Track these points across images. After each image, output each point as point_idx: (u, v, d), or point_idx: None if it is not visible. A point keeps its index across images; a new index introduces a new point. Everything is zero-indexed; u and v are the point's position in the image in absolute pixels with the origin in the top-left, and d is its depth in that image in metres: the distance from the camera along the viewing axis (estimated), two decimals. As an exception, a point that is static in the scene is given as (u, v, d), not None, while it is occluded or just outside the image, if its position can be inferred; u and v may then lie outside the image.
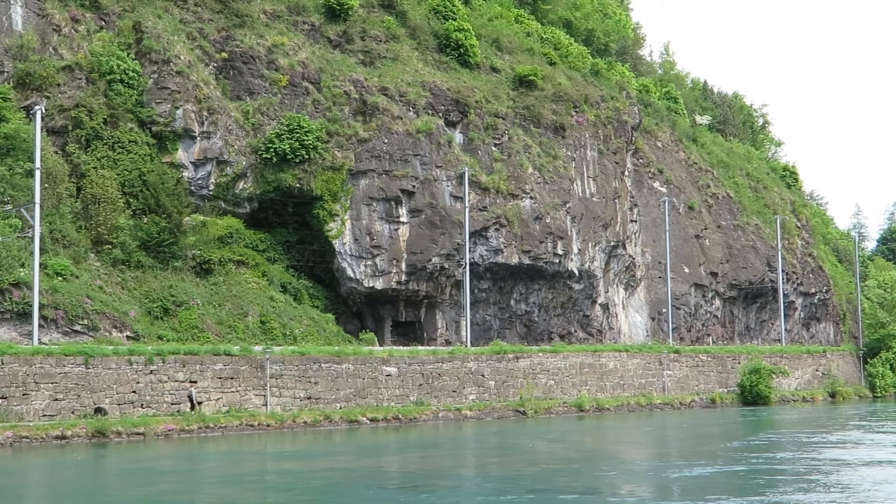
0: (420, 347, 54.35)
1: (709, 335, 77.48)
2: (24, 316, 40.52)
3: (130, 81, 52.23)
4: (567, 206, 64.35)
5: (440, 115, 61.00)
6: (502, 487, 23.88)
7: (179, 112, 52.67)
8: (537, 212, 62.14)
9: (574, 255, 64.07)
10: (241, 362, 43.52)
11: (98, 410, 38.55)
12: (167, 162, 52.41)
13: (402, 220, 57.14)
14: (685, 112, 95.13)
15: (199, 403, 41.66)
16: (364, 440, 39.62)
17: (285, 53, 58.08)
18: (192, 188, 53.59)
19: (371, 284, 56.48)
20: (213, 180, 54.16)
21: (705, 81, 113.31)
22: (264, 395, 43.88)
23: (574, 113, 68.23)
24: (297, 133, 55.12)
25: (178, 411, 40.84)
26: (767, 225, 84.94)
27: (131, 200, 49.80)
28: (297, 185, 55.55)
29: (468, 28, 67.62)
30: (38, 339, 39.63)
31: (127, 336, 43.37)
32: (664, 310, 72.41)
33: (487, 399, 53.20)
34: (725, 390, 68.33)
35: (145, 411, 40.01)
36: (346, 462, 31.10)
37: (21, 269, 41.27)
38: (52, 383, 37.85)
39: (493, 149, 62.43)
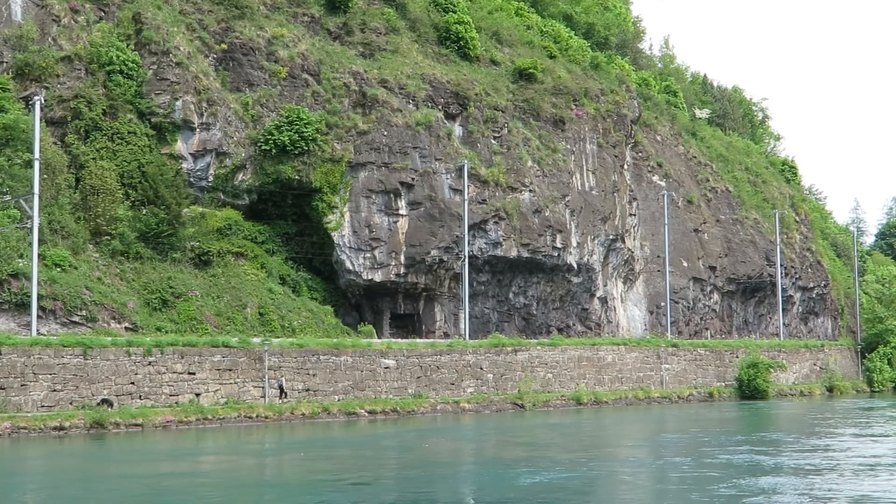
0: (418, 340, 54.39)
1: (707, 329, 77.56)
2: (22, 307, 40.51)
3: (130, 72, 52.16)
4: (566, 199, 64.35)
5: (440, 107, 60.95)
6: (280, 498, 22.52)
7: (179, 103, 52.61)
8: (536, 205, 62.12)
9: (573, 249, 64.08)
10: (240, 354, 43.54)
11: (104, 402, 38.64)
12: (166, 153, 52.38)
13: (401, 212, 57.11)
14: (685, 106, 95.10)
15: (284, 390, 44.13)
16: (309, 435, 38.80)
17: (285, 45, 57.99)
18: (191, 179, 53.56)
19: (370, 277, 56.47)
20: (212, 172, 54.12)
21: (705, 75, 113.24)
22: (262, 387, 43.93)
23: (573, 106, 68.19)
24: (296, 125, 55.07)
25: (176, 403, 40.90)
26: (766, 219, 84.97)
27: (130, 192, 49.78)
28: (297, 177, 55.50)
29: (468, 21, 67.55)
30: (37, 330, 39.62)
31: (125, 327, 43.37)
32: (663, 303, 72.46)
33: (486, 392, 53.26)
34: (723, 384, 68.42)
35: (143, 402, 40.04)
36: (237, 462, 29.96)
37: (20, 260, 41.26)
38: (50, 374, 37.87)
39: (493, 142, 62.40)
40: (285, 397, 44.53)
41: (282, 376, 44.77)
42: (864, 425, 44.30)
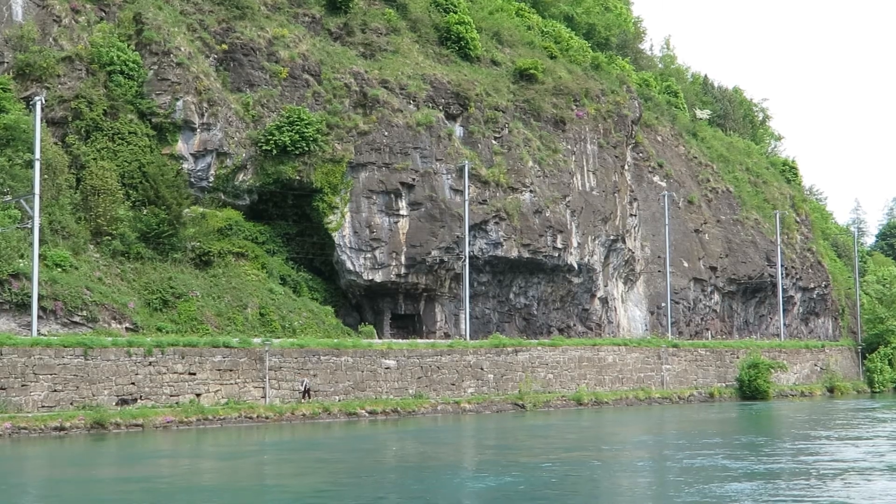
0: (419, 340, 54.38)
1: (708, 329, 77.54)
2: (23, 307, 40.51)
3: (130, 73, 52.18)
4: (567, 199, 64.34)
5: (440, 108, 60.95)
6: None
7: (179, 103, 52.61)
8: (537, 205, 62.11)
9: (573, 249, 64.06)
10: (240, 354, 43.53)
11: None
12: (167, 153, 52.38)
13: (401, 212, 57.11)
14: (685, 106, 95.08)
15: (311, 391, 44.71)
16: (299, 436, 38.44)
17: (286, 45, 58.00)
18: (192, 180, 53.56)
19: (370, 277, 56.46)
20: (212, 172, 54.12)
21: (706, 76, 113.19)
22: (263, 388, 43.91)
23: (574, 106, 68.18)
24: (297, 125, 55.07)
25: (176, 403, 40.89)
26: (767, 220, 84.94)
27: (131, 192, 49.78)
28: (297, 177, 55.51)
29: (469, 21, 67.54)
30: (37, 331, 39.62)
31: (126, 328, 43.37)
32: (663, 304, 72.44)
33: (486, 392, 53.24)
34: (724, 385, 68.40)
35: (144, 403, 40.03)
36: (191, 465, 29.17)
37: (20, 260, 41.26)
38: (51, 374, 37.87)
39: (493, 142, 62.39)
40: (309, 398, 44.84)
41: (304, 377, 45.08)
42: (852, 427, 43.84)
